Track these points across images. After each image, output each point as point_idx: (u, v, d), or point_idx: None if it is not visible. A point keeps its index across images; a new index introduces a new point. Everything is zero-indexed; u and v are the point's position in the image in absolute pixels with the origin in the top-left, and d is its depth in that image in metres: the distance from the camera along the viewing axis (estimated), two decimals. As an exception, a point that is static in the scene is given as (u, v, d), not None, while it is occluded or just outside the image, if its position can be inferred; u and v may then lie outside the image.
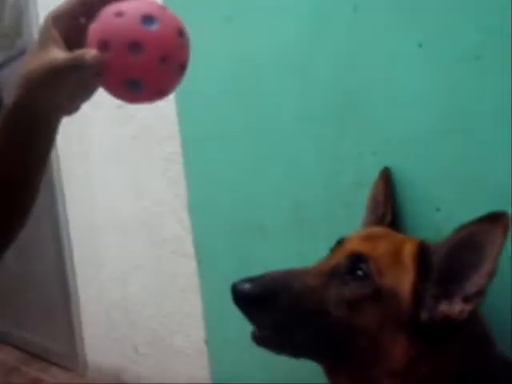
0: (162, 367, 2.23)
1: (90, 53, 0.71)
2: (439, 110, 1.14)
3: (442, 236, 1.13)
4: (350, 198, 1.32)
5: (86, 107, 2.42)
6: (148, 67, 0.72)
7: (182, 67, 0.77)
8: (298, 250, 1.46)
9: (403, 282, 0.89)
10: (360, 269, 0.90)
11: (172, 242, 2.06)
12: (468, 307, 0.84)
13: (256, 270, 1.60)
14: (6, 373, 2.79)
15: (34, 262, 2.92)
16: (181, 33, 0.74)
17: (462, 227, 0.87)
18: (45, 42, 0.75)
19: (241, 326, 1.65)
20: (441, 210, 1.15)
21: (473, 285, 0.84)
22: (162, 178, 2.04)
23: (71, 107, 0.85)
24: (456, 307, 0.85)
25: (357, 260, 0.92)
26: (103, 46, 0.71)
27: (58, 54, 0.74)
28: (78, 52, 0.73)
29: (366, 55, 1.25)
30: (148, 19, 0.70)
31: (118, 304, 2.41)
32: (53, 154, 2.57)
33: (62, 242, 2.62)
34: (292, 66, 1.42)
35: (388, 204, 1.16)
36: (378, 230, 1.09)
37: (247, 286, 0.90)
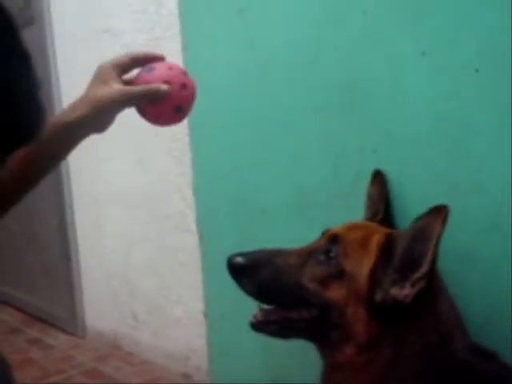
0: (160, 335, 2.34)
1: (164, 86, 1.01)
2: (438, 115, 1.22)
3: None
4: (348, 189, 1.41)
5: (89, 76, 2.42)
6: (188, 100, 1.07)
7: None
8: (297, 234, 1.53)
9: (364, 265, 1.01)
10: (331, 250, 1.05)
11: (175, 218, 2.14)
12: (413, 291, 0.95)
13: (255, 248, 1.70)
14: (8, 332, 2.89)
15: (37, 227, 2.98)
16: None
17: (417, 219, 0.98)
18: (106, 79, 1.01)
19: (239, 301, 1.76)
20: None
21: (418, 271, 0.95)
22: (168, 157, 2.11)
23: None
24: (404, 291, 0.96)
25: (332, 241, 1.07)
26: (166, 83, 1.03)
27: (124, 87, 1.02)
28: (154, 85, 1.01)
29: (373, 56, 1.32)
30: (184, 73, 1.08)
31: (120, 274, 2.50)
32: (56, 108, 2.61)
33: (64, 211, 2.68)
34: (301, 58, 1.48)
35: (380, 203, 1.27)
36: (362, 222, 1.21)
37: (238, 258, 1.09)
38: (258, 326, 1.13)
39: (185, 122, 1.93)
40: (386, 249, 1.01)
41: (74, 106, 1.01)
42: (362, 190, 1.37)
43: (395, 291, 0.97)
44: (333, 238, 1.08)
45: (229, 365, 1.91)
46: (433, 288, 0.98)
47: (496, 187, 1.14)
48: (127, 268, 2.46)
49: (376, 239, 1.04)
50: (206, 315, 1.99)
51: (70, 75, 2.54)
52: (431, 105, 1.22)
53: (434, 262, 0.94)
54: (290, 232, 1.58)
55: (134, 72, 1.08)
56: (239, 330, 1.85)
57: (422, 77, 1.23)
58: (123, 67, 1.05)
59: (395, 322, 0.98)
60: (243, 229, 1.74)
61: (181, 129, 2.01)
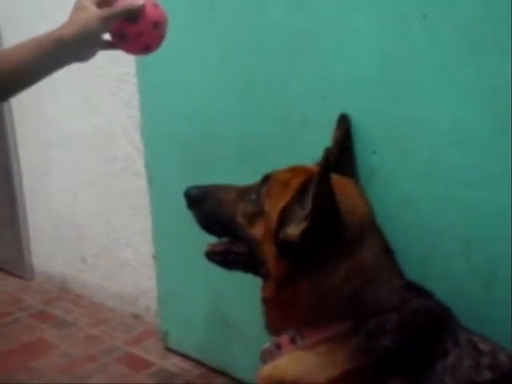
0: (109, 277, 2.35)
1: (139, 2, 1.13)
2: (385, 61, 1.23)
3: (377, 177, 1.28)
4: (295, 135, 1.41)
5: (34, 16, 2.37)
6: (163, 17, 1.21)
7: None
8: (244, 179, 1.54)
9: (278, 204, 1.05)
10: (259, 189, 1.13)
11: (123, 161, 2.12)
12: (297, 230, 0.99)
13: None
14: (-48, 276, 2.85)
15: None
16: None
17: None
18: (86, 6, 1.11)
19: (188, 243, 1.79)
20: (377, 153, 1.27)
21: (304, 210, 1.00)
22: (114, 98, 2.06)
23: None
24: (296, 230, 1.00)
25: (264, 181, 1.14)
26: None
27: (104, 10, 1.12)
28: (130, 3, 1.12)
29: (319, 0, 1.31)
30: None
31: (67, 217, 2.47)
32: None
33: (8, 153, 2.60)
34: (249, 3, 1.45)
35: (336, 146, 1.27)
36: (302, 165, 1.20)
37: (192, 190, 1.23)
38: (207, 256, 1.22)
39: (131, 62, 1.91)
40: (302, 189, 1.03)
41: (61, 27, 1.11)
42: (309, 136, 1.39)
43: (291, 229, 1.01)
44: (265, 179, 1.14)
45: (178, 306, 1.94)
46: (346, 238, 1.00)
47: (436, 133, 1.18)
48: (75, 211, 2.43)
49: (297, 180, 1.06)
50: (155, 258, 2.01)
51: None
52: (379, 50, 1.23)
53: (316, 202, 0.96)
54: (237, 177, 1.56)
55: None
56: (188, 272, 1.89)
57: (370, 22, 1.23)
58: None
59: (305, 264, 1.01)
60: (191, 172, 1.73)
61: (127, 69, 1.96)
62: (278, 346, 1.10)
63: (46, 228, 2.61)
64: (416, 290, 1.08)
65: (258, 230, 1.09)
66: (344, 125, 1.28)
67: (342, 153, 1.27)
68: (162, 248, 1.97)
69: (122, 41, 1.17)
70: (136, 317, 2.25)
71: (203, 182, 1.72)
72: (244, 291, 1.67)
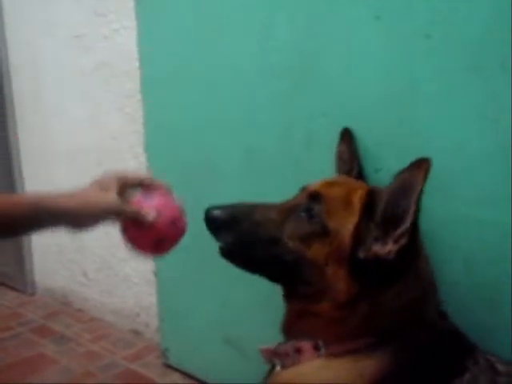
0: (109, 293, 2.34)
1: (151, 216, 1.05)
2: (388, 80, 1.23)
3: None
4: (299, 152, 1.42)
5: (40, 34, 2.40)
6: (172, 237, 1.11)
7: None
8: (248, 195, 1.53)
9: (348, 223, 0.98)
10: (313, 209, 1.02)
11: (126, 176, 2.12)
12: (395, 248, 0.93)
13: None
14: (-47, 290, 2.84)
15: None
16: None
17: (399, 173, 0.96)
18: (106, 187, 1.04)
19: (189, 260, 1.78)
20: (381, 171, 1.27)
21: (400, 226, 0.93)
22: (120, 114, 2.08)
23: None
24: (386, 247, 0.94)
25: (313, 199, 1.03)
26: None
27: (118, 200, 1.04)
28: (144, 211, 1.06)
29: (324, 20, 1.32)
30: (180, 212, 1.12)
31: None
32: (6, 79, 2.52)
33: (12, 167, 2.61)
34: (255, 21, 1.47)
35: (353, 160, 1.26)
36: (340, 178, 1.18)
37: (217, 211, 1.05)
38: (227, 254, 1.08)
39: (136, 77, 1.93)
40: (369, 205, 0.98)
41: (67, 195, 1.04)
42: (313, 152, 1.39)
43: (377, 248, 0.95)
44: (314, 196, 1.04)
45: (178, 322, 1.93)
46: (415, 247, 0.97)
47: (440, 151, 1.18)
48: (77, 226, 2.42)
49: (358, 196, 1.01)
50: (155, 274, 2.00)
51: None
52: (382, 69, 1.24)
53: (415, 217, 0.91)
54: (241, 193, 1.59)
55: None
56: (188, 289, 1.88)
57: (374, 41, 1.24)
58: (126, 183, 1.08)
59: (376, 281, 0.97)
60: (194, 188, 1.74)
61: (133, 85, 1.97)
62: (298, 351, 1.03)
63: (48, 243, 2.61)
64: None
65: (318, 252, 0.99)
66: (350, 138, 1.27)
67: (359, 164, 1.26)
68: (163, 264, 1.96)
69: (121, 231, 1.10)
70: (136, 333, 2.23)
71: (206, 197, 1.73)
72: (245, 308, 1.67)
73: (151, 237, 1.07)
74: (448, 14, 1.13)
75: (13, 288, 2.78)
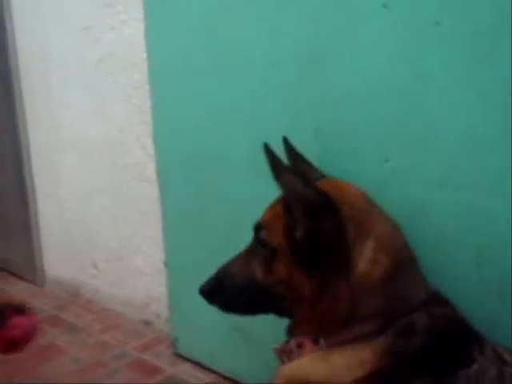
0: (119, 283, 2.35)
1: None
2: (397, 68, 1.23)
3: (390, 185, 1.27)
4: (308, 143, 1.41)
5: (48, 26, 2.41)
6: None
7: None
8: (256, 185, 1.55)
9: (280, 229, 1.07)
10: (260, 238, 1.11)
11: (134, 168, 2.13)
12: (302, 231, 1.02)
13: (215, 199, 1.71)
14: (-34, 281, 2.87)
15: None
16: None
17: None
18: None
19: (198, 250, 1.79)
20: (390, 161, 1.27)
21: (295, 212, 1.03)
22: (127, 105, 2.08)
23: None
24: (297, 233, 1.03)
25: (258, 230, 1.13)
26: None
27: None
28: None
29: (332, 9, 1.31)
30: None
31: (78, 223, 2.49)
32: (15, 70, 2.53)
33: (21, 158, 2.62)
34: (262, 11, 1.46)
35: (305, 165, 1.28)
36: (275, 199, 1.20)
37: (204, 286, 1.20)
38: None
39: (144, 68, 1.93)
40: (287, 206, 1.06)
41: None
42: (321, 142, 1.39)
43: (296, 236, 1.03)
44: (257, 228, 1.13)
45: (188, 312, 1.94)
46: (336, 226, 1.01)
47: (449, 140, 1.17)
48: (86, 217, 2.44)
49: (282, 203, 1.09)
50: (166, 264, 2.01)
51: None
52: (391, 57, 1.23)
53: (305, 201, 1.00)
54: (249, 183, 1.59)
55: None
56: (199, 279, 1.88)
57: (382, 29, 1.23)
58: None
59: (328, 267, 1.01)
60: (203, 178, 1.74)
61: (140, 76, 1.97)
62: (300, 345, 1.08)
63: (58, 234, 2.63)
64: (437, 295, 1.07)
65: (279, 270, 1.06)
66: (287, 146, 1.31)
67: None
68: (173, 254, 1.97)
69: None
70: (146, 323, 2.25)
71: (214, 187, 1.74)
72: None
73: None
74: (457, 1, 1.12)
75: (23, 279, 2.80)
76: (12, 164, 2.71)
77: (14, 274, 2.86)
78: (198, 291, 1.19)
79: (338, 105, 1.33)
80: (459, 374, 0.92)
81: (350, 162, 1.32)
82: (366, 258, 1.00)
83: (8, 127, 2.64)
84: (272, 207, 1.14)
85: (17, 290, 2.70)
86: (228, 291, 1.16)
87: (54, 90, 2.42)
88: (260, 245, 1.11)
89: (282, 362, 1.11)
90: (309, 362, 1.05)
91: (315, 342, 1.05)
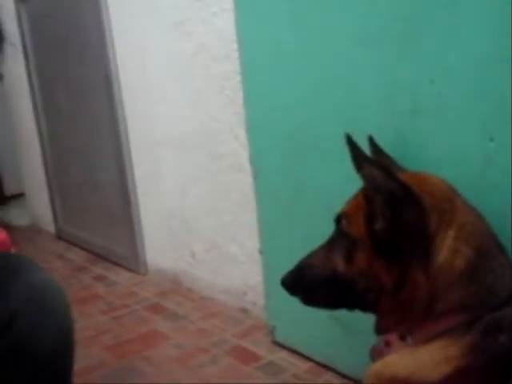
0: (217, 272, 2.41)
1: None
2: (499, 38, 1.14)
3: (493, 165, 1.20)
4: (404, 124, 1.36)
5: (143, 22, 2.49)
6: None
7: None
8: (349, 170, 1.52)
9: (360, 219, 1.06)
10: (341, 228, 1.11)
11: (229, 157, 2.16)
12: (383, 222, 1.01)
13: (308, 187, 1.70)
14: (75, 270, 3.07)
15: (98, 173, 3.09)
16: None
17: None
18: None
19: (293, 238, 1.79)
20: (494, 140, 1.19)
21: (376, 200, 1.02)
22: (220, 96, 2.11)
23: None
24: (378, 224, 1.02)
25: (338, 221, 1.13)
26: None
27: None
28: None
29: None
30: None
31: (177, 214, 2.57)
32: (114, 68, 2.65)
33: (123, 156, 2.75)
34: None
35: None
36: (358, 190, 1.19)
37: (286, 278, 1.20)
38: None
39: (235, 59, 1.95)
40: (369, 197, 1.05)
41: None
42: (418, 124, 1.33)
43: (377, 227, 1.02)
44: (338, 219, 1.13)
45: (285, 300, 1.93)
46: (418, 216, 0.99)
47: None
48: (184, 208, 2.52)
49: (363, 193, 1.09)
50: (261, 252, 2.03)
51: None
52: (494, 26, 1.15)
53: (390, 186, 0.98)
54: (342, 168, 1.55)
55: None
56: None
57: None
58: None
59: (409, 257, 1.00)
60: (296, 166, 1.74)
61: (232, 67, 2.00)
62: (387, 344, 1.08)
63: (158, 226, 2.73)
64: None
65: (360, 261, 1.06)
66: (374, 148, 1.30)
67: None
68: (268, 243, 1.98)
69: None
70: (244, 311, 2.28)
71: (309, 175, 1.73)
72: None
73: None
74: None
75: (127, 268, 2.95)
76: (114, 162, 2.85)
77: (119, 264, 3.01)
78: (280, 283, 1.20)
79: (437, 81, 1.27)
80: None
81: (452, 141, 1.26)
82: (447, 248, 0.97)
83: (109, 127, 2.79)
84: (353, 198, 1.14)
85: (122, 280, 2.85)
86: (309, 283, 1.16)
87: (150, 85, 2.51)
88: (341, 236, 1.11)
89: (373, 361, 1.11)
90: (396, 359, 1.04)
91: (402, 339, 1.05)
